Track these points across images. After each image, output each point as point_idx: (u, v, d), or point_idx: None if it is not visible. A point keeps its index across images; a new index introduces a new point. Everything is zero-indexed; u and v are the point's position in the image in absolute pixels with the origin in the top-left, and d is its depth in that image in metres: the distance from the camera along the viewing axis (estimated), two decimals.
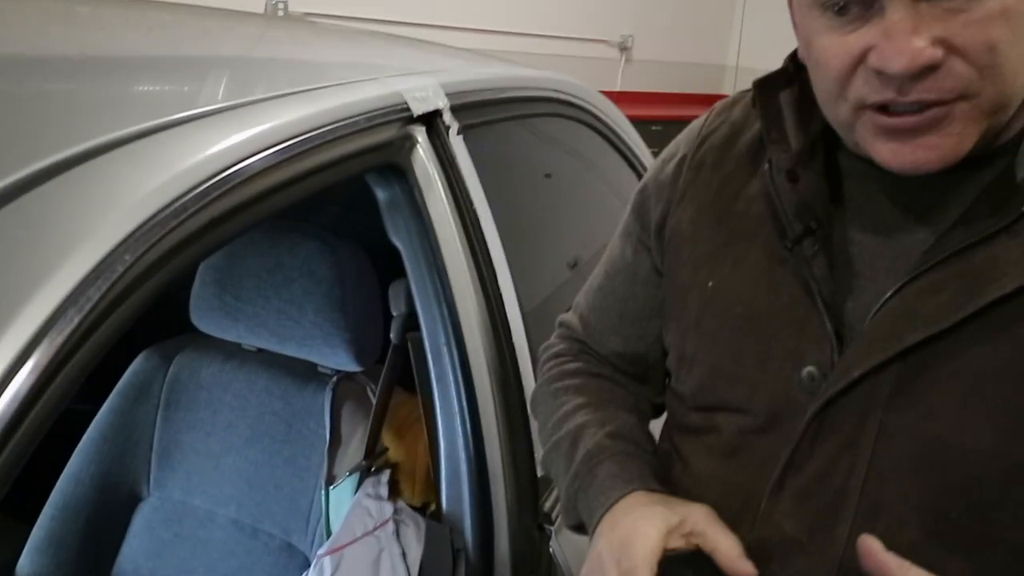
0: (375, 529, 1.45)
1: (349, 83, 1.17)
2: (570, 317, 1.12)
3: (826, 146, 0.84)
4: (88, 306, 0.70)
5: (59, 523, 1.56)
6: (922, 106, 0.71)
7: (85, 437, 1.62)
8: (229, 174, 0.86)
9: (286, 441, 1.58)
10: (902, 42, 0.68)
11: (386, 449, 1.60)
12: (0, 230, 0.70)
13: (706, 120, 0.97)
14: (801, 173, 0.82)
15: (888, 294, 0.77)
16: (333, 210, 1.98)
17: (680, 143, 0.98)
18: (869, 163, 0.79)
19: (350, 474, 1.52)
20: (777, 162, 0.83)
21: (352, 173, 1.12)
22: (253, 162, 0.90)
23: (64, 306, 0.68)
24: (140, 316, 0.77)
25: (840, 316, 0.80)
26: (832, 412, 0.78)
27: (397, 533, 1.45)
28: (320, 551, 1.42)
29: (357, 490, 1.52)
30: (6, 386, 0.64)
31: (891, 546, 0.75)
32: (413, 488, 1.61)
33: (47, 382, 0.67)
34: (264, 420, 1.60)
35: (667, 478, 0.96)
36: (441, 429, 1.34)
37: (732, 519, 0.84)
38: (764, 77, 0.87)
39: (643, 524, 0.82)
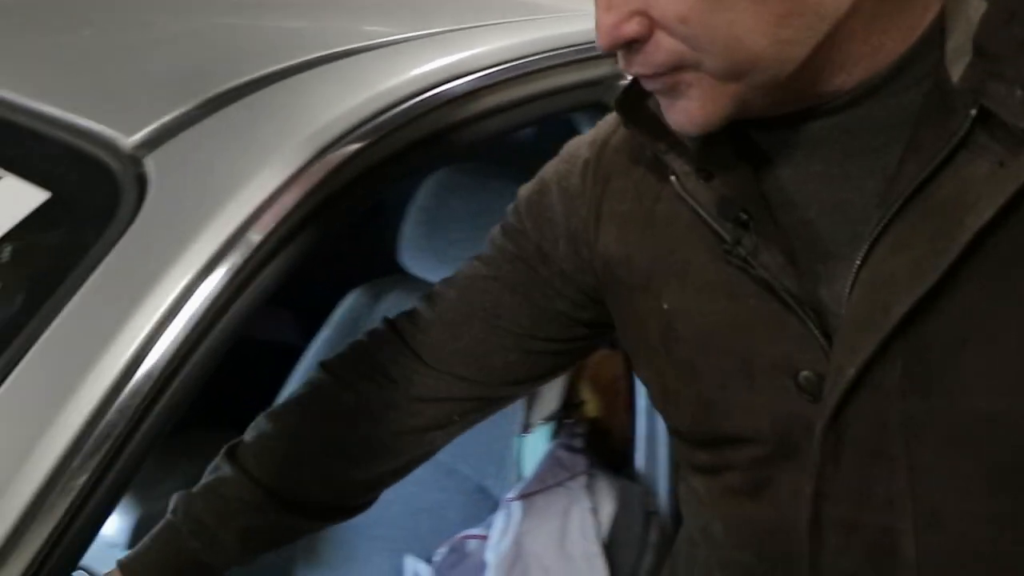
0: (568, 479, 1.44)
1: (561, 15, 1.14)
2: (414, 307, 0.96)
3: (732, 128, 0.69)
4: (283, 212, 0.71)
5: None
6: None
7: (302, 366, 1.68)
8: (430, 96, 0.85)
9: None
10: (601, 18, 0.62)
11: (583, 402, 1.58)
12: (209, 137, 0.72)
13: (606, 121, 0.86)
14: (713, 168, 0.70)
15: (856, 265, 0.64)
16: (536, 159, 1.97)
17: (583, 143, 0.86)
18: (783, 127, 0.68)
19: (544, 422, 1.51)
20: (680, 168, 0.71)
21: (558, 109, 1.08)
22: (455, 86, 0.88)
23: (259, 212, 0.69)
24: (346, 249, 0.78)
25: (818, 306, 0.67)
26: (844, 422, 0.66)
27: (589, 488, 1.43)
28: (509, 495, 1.42)
29: (552, 440, 1.51)
30: (201, 282, 0.66)
31: (965, 555, 0.64)
32: (609, 445, 1.58)
33: (243, 285, 0.69)
34: None
35: (697, 528, 0.85)
36: (640, 388, 1.30)
37: (781, 567, 0.73)
38: (622, 94, 0.75)
39: None
